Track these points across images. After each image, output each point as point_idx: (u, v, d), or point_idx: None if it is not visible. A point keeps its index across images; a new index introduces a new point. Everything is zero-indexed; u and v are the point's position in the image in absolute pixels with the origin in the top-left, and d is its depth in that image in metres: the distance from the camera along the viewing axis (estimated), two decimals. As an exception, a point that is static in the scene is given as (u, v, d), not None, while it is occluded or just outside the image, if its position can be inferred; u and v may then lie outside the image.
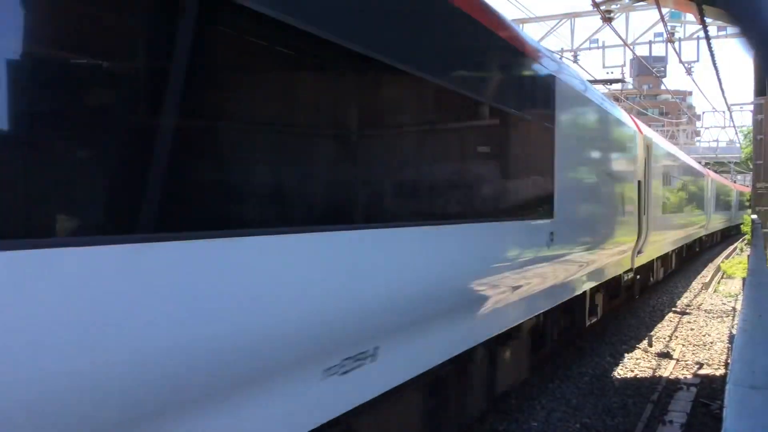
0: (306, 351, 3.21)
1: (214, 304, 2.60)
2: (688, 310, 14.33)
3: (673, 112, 73.01)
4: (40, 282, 2.01)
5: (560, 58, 7.13)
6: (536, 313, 6.78)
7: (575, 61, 20.68)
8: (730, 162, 55.44)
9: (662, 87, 72.58)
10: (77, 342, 2.13)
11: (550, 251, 6.48)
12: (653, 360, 9.86)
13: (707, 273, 21.45)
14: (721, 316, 13.57)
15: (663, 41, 20.84)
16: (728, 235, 42.81)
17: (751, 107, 19.36)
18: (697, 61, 22.07)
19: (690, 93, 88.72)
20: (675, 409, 7.32)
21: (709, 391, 8.19)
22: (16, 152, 2.08)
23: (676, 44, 19.75)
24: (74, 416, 2.18)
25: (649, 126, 17.95)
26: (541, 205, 6.47)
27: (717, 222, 33.10)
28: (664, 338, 11.40)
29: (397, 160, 4.18)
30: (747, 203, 39.93)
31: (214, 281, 2.60)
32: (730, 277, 19.84)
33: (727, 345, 10.60)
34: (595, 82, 15.15)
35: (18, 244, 1.96)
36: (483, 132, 5.35)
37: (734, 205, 44.06)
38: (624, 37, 18.50)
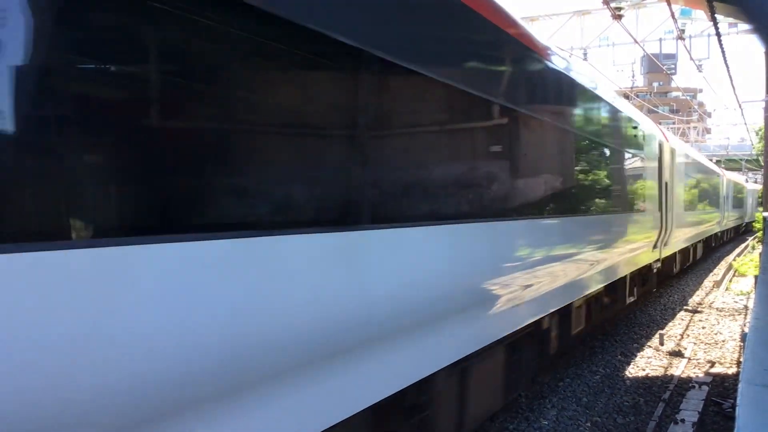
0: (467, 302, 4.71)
1: (428, 280, 3.96)
2: (699, 309, 14.24)
3: (683, 110, 72.57)
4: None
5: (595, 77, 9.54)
6: (620, 276, 9.71)
7: (584, 58, 20.60)
8: (741, 159, 54.99)
9: (673, 84, 72.17)
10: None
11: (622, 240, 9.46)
12: (665, 358, 9.81)
13: (719, 271, 21.31)
14: (733, 314, 13.48)
15: (673, 38, 20.74)
16: (744, 231, 42.52)
17: (763, 104, 19.20)
18: (708, 58, 21.94)
19: (701, 90, 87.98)
20: (687, 408, 7.28)
21: (721, 389, 8.15)
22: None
23: (687, 41, 19.64)
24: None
25: (660, 123, 17.94)
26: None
27: (731, 219, 33.17)
28: (676, 337, 11.34)
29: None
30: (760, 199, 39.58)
31: (419, 265, 3.86)
32: (742, 275, 19.71)
33: (739, 343, 10.53)
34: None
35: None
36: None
37: (749, 203, 43.71)
38: (634, 34, 18.40)
